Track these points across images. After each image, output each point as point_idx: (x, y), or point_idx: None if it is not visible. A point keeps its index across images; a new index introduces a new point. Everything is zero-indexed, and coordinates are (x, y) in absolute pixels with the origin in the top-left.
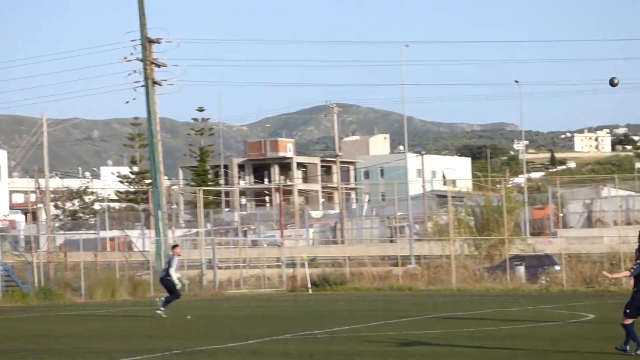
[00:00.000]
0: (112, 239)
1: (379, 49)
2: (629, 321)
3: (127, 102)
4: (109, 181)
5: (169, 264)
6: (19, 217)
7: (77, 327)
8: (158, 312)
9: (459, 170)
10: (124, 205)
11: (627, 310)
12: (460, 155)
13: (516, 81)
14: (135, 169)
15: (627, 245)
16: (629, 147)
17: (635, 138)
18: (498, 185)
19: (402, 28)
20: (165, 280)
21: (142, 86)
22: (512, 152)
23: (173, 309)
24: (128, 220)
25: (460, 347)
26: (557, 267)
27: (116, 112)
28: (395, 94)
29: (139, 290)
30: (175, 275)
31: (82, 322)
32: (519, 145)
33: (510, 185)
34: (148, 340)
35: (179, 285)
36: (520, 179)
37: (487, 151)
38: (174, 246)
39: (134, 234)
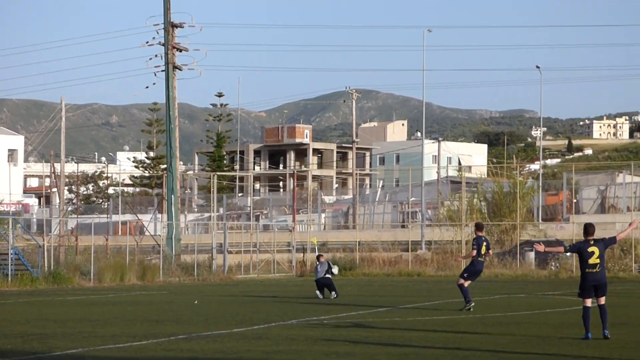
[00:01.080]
0: (124, 223)
1: (400, 34)
2: (465, 282)
3: (147, 87)
4: (124, 166)
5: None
6: (33, 201)
7: (84, 311)
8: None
9: (475, 157)
10: (138, 189)
11: (465, 275)
12: (478, 142)
13: (537, 67)
14: (152, 154)
15: (639, 232)
16: None
17: None
18: (514, 172)
19: (421, 13)
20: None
21: (163, 71)
22: (529, 139)
23: (181, 295)
24: (141, 204)
25: (465, 334)
26: (568, 254)
27: (137, 97)
28: (416, 80)
29: (148, 275)
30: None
31: (89, 307)
32: (537, 132)
33: (524, 172)
34: (154, 325)
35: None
36: (536, 165)
37: (504, 138)
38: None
39: (146, 219)
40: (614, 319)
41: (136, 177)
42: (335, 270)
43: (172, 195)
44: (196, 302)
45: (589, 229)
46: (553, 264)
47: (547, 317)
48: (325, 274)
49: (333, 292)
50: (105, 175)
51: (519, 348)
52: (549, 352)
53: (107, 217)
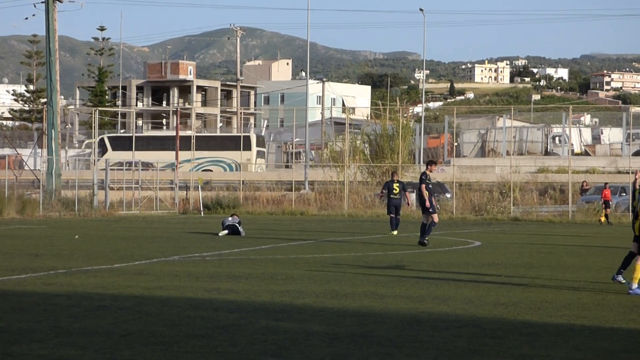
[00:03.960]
0: (2, 157)
1: None
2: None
3: (26, 19)
4: (3, 99)
5: (239, 223)
6: None
7: None
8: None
9: (359, 98)
10: (17, 123)
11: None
12: (361, 84)
13: (421, 9)
14: (32, 87)
15: (517, 175)
16: (527, 79)
17: (534, 70)
18: (397, 114)
19: None
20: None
21: (43, 2)
22: (412, 82)
23: (61, 229)
24: (21, 138)
25: (347, 272)
26: (448, 195)
27: (15, 28)
28: (300, 19)
29: (27, 209)
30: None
31: None
32: (420, 75)
33: (407, 114)
34: (34, 259)
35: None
36: (419, 108)
37: (387, 80)
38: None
39: (25, 153)
40: (491, 260)
41: (15, 111)
42: (242, 229)
43: (53, 130)
44: (77, 236)
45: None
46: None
47: (428, 257)
48: (233, 224)
49: (242, 233)
50: None
51: (398, 286)
52: (427, 291)
53: None
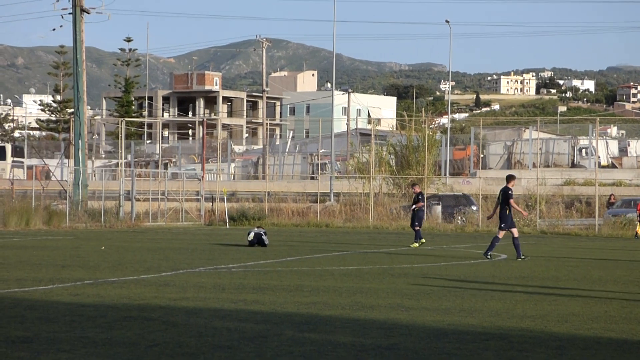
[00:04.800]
0: (29, 168)
1: None
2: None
3: (54, 30)
4: (31, 109)
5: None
6: None
7: None
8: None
9: (384, 109)
10: (44, 134)
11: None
12: (387, 95)
13: (447, 21)
14: (59, 97)
15: (543, 188)
16: (553, 91)
17: (560, 82)
18: (423, 126)
19: None
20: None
21: (70, 13)
22: (438, 93)
23: (87, 240)
24: (48, 149)
25: (373, 283)
26: (474, 208)
27: (43, 39)
28: (326, 31)
29: (54, 220)
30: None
31: None
32: (445, 86)
33: (433, 126)
34: (60, 269)
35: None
36: (444, 119)
37: (413, 91)
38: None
39: (52, 163)
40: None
41: (42, 121)
42: (266, 238)
43: (80, 140)
44: (103, 247)
45: None
46: (459, 217)
47: (453, 269)
48: (258, 233)
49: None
50: (10, 118)
51: (424, 299)
52: (454, 304)
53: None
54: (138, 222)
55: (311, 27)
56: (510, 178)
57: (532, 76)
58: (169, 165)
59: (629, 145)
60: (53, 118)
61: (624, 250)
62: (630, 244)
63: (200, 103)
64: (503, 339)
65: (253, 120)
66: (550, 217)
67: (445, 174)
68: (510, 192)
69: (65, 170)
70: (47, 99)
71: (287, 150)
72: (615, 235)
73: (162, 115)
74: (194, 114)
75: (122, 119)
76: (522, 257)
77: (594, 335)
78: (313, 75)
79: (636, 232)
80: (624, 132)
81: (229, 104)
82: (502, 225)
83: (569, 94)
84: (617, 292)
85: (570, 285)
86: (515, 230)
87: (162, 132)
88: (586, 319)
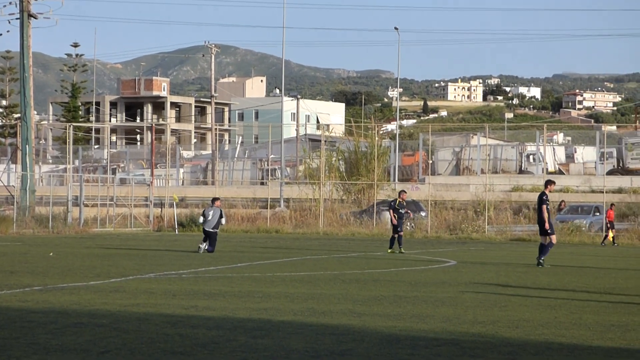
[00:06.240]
0: None
1: None
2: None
3: (0, 35)
4: None
5: (221, 216)
6: None
7: None
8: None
9: (333, 116)
10: None
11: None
12: (335, 101)
13: (396, 28)
14: (4, 102)
15: (492, 194)
16: (500, 98)
17: (507, 89)
18: (371, 132)
19: None
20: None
21: (17, 19)
22: (386, 99)
23: (35, 246)
24: None
25: (324, 289)
26: (423, 214)
27: None
28: (275, 37)
29: (1, 226)
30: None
31: None
32: (393, 93)
33: (381, 132)
34: (9, 276)
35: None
36: (393, 126)
37: (361, 97)
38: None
39: None
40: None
41: None
42: (224, 220)
43: (27, 145)
44: (52, 254)
45: None
46: (409, 224)
47: (403, 275)
48: (216, 223)
49: (209, 247)
50: None
51: (376, 305)
52: (405, 310)
53: None
54: (86, 228)
55: (260, 34)
56: (548, 183)
57: (479, 83)
58: (117, 171)
59: (575, 152)
60: None
61: (572, 256)
62: (577, 250)
63: (148, 108)
64: (455, 345)
65: (201, 126)
66: (499, 223)
67: (394, 180)
68: (544, 197)
69: (12, 176)
70: None
71: (236, 155)
72: (563, 242)
73: (110, 121)
74: (141, 120)
75: (69, 124)
76: (542, 262)
77: (545, 340)
78: (262, 81)
79: (605, 237)
80: (569, 138)
81: (177, 109)
82: (548, 231)
83: (515, 101)
84: (565, 299)
85: (520, 292)
86: (554, 237)
87: (110, 137)
88: (536, 325)
